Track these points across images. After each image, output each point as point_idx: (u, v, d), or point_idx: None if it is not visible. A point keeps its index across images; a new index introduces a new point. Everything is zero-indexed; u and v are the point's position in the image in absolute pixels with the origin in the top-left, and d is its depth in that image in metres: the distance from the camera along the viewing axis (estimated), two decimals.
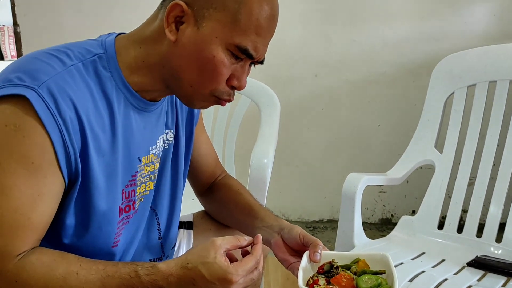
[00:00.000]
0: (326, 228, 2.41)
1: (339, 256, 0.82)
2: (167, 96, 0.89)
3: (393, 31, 2.19)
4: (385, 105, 2.29)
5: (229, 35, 0.73)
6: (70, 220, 0.75)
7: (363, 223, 2.43)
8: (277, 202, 2.49)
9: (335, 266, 0.78)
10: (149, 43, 0.77)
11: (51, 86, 0.67)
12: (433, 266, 1.29)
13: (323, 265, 0.79)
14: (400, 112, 2.28)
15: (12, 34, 3.77)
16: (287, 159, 2.39)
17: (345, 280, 0.74)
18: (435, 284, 1.16)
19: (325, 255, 0.82)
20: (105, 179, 0.75)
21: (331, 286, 0.74)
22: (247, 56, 0.75)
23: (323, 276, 0.77)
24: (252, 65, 0.81)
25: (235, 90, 0.80)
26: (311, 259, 0.81)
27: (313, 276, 0.77)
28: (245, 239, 0.76)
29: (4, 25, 3.75)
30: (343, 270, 0.78)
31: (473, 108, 1.53)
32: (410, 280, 1.17)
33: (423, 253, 1.38)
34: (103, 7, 2.22)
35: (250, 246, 0.77)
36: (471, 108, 1.53)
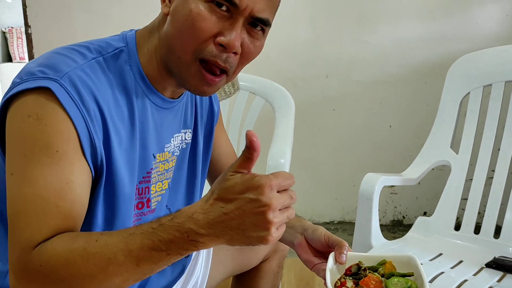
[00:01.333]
0: (337, 229, 2.40)
1: (365, 257, 0.81)
2: (186, 95, 0.89)
3: (405, 32, 2.18)
4: (396, 106, 2.28)
5: None
6: (98, 216, 0.73)
7: None
8: None
9: (362, 268, 0.77)
10: (156, 29, 0.77)
11: (73, 77, 0.67)
12: (452, 267, 1.28)
13: (351, 266, 0.78)
14: (412, 113, 2.27)
15: (21, 36, 3.78)
16: (297, 160, 2.38)
17: (373, 283, 0.73)
18: (455, 285, 1.15)
19: (350, 256, 0.81)
20: (127, 173, 0.75)
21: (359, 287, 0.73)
22: (231, 5, 0.67)
23: (350, 278, 0.76)
24: (256, 26, 0.72)
25: (228, 54, 0.71)
26: (337, 261, 0.80)
27: (340, 278, 0.76)
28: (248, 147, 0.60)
29: (12, 27, 3.75)
30: (370, 272, 0.77)
31: (489, 108, 1.52)
32: (430, 281, 1.16)
33: (441, 254, 1.37)
34: (112, 5, 2.23)
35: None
36: (487, 108, 1.52)
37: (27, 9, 2.27)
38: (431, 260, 1.32)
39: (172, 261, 0.61)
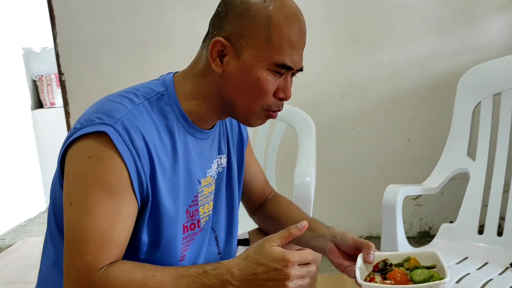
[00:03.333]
0: None
1: (391, 256, 0.90)
2: (218, 124, 1.00)
3: (414, 49, 2.28)
4: (412, 121, 2.36)
5: (267, 56, 0.83)
6: (144, 237, 0.85)
7: None
8: None
9: (389, 264, 0.86)
10: (201, 78, 0.89)
11: (125, 122, 0.79)
12: (478, 269, 1.34)
13: (378, 263, 0.87)
14: (428, 126, 2.34)
15: (50, 82, 4.00)
16: (322, 179, 2.46)
17: (399, 275, 0.82)
18: (481, 284, 1.21)
19: (378, 255, 0.89)
20: (171, 199, 0.86)
21: (387, 281, 0.81)
22: (287, 69, 0.85)
23: (378, 274, 0.85)
24: (294, 75, 0.90)
25: (283, 101, 0.90)
26: (365, 260, 0.89)
27: (369, 274, 0.85)
28: (296, 227, 0.79)
29: (42, 75, 3.98)
30: (396, 267, 0.85)
31: (501, 115, 1.59)
32: (457, 282, 1.23)
33: (466, 257, 1.43)
34: (137, 49, 2.39)
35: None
36: (499, 115, 1.60)
37: (59, 58, 2.46)
38: (457, 263, 1.38)
39: None
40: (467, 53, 2.24)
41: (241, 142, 1.10)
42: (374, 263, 0.88)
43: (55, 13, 2.40)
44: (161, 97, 0.87)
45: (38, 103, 4.12)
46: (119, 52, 2.40)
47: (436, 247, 1.53)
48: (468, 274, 1.30)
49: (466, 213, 1.57)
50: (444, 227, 1.58)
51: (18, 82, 3.72)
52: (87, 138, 0.78)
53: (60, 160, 0.82)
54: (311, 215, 1.38)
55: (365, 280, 0.83)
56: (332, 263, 0.97)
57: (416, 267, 0.84)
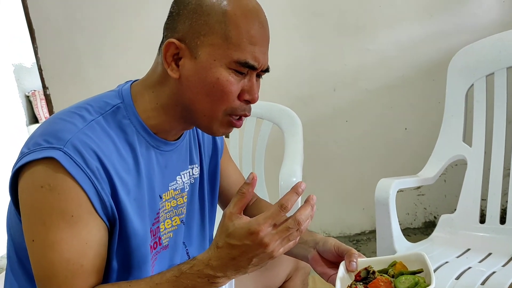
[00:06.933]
0: (370, 239, 2.38)
1: (376, 261, 0.83)
2: (188, 133, 0.94)
3: (404, 34, 2.20)
4: (408, 108, 2.28)
5: (226, 54, 0.76)
6: (114, 264, 0.79)
7: (407, 228, 2.41)
8: (316, 220, 2.48)
9: (371, 272, 0.79)
10: (159, 86, 0.82)
11: (75, 143, 0.72)
12: (480, 261, 1.27)
13: (359, 272, 0.80)
14: (425, 112, 2.26)
15: (43, 97, 3.97)
16: (318, 176, 2.40)
17: (382, 284, 0.75)
18: (483, 279, 1.14)
19: (361, 262, 0.83)
20: (138, 219, 0.80)
21: None
22: (250, 68, 0.78)
23: (361, 283, 0.78)
24: (260, 76, 0.83)
25: (250, 104, 0.82)
26: (347, 269, 0.82)
27: (350, 284, 0.78)
28: (245, 184, 0.70)
29: (35, 90, 3.95)
30: (380, 275, 0.79)
31: (495, 96, 1.52)
32: (457, 278, 1.16)
33: (468, 249, 1.36)
34: (120, 56, 2.33)
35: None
36: (493, 97, 1.52)
37: (43, 72, 2.41)
38: (458, 257, 1.31)
39: None
40: (459, 33, 2.14)
41: (215, 151, 1.03)
42: (358, 271, 0.81)
43: (34, 26, 2.34)
44: (117, 110, 0.80)
45: (33, 118, 4.10)
46: (102, 60, 2.35)
47: (437, 240, 1.46)
48: (469, 268, 1.22)
49: (466, 202, 1.50)
50: (444, 218, 1.51)
51: (11, 98, 3.69)
52: (36, 164, 0.71)
53: (10, 188, 0.76)
54: None
55: None
56: (315, 271, 0.91)
57: (402, 273, 0.78)
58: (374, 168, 2.35)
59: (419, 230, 2.39)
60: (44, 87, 2.42)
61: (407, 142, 2.31)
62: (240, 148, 1.68)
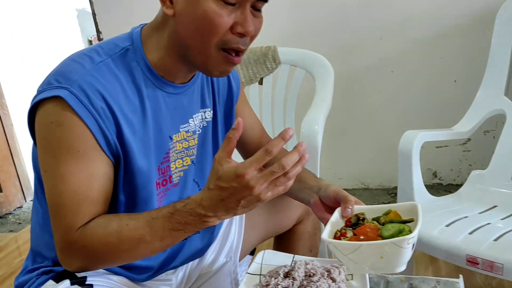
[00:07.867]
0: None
1: (372, 209, 0.85)
2: (201, 78, 0.97)
3: None
4: (459, 59, 2.17)
5: None
6: (121, 197, 0.86)
7: (449, 185, 2.36)
8: (355, 171, 2.48)
9: (361, 218, 0.81)
10: (161, 27, 0.85)
11: (81, 83, 0.77)
12: (502, 218, 1.24)
13: (350, 218, 0.82)
14: (477, 64, 2.11)
15: None
16: (360, 127, 2.38)
17: (369, 230, 0.77)
18: (497, 235, 1.12)
19: (358, 209, 0.85)
20: (143, 157, 0.85)
21: (356, 237, 0.77)
22: None
23: (350, 229, 0.80)
24: (258, 9, 0.81)
25: (245, 38, 0.80)
26: (342, 214, 0.85)
27: (340, 229, 0.81)
28: (232, 129, 0.72)
29: (94, 35, 4.11)
30: (371, 222, 0.80)
31: None
32: (470, 233, 1.14)
33: (495, 206, 1.33)
34: None
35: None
36: None
37: (96, 17, 2.51)
38: (480, 213, 1.29)
39: (189, 235, 0.79)
40: None
41: (231, 96, 1.06)
42: (350, 217, 0.83)
43: None
44: (125, 52, 0.85)
45: None
46: (152, 4, 2.39)
47: (464, 195, 1.43)
48: (488, 223, 1.20)
49: (500, 158, 1.44)
50: (475, 173, 1.47)
51: (75, 42, 3.89)
52: (47, 102, 0.78)
53: (29, 124, 0.83)
54: (318, 165, 1.34)
55: (335, 235, 0.80)
56: (316, 215, 0.94)
57: (391, 221, 0.79)
58: (419, 122, 2.28)
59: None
60: (98, 31, 2.53)
61: (455, 95, 2.21)
62: (272, 96, 1.70)
